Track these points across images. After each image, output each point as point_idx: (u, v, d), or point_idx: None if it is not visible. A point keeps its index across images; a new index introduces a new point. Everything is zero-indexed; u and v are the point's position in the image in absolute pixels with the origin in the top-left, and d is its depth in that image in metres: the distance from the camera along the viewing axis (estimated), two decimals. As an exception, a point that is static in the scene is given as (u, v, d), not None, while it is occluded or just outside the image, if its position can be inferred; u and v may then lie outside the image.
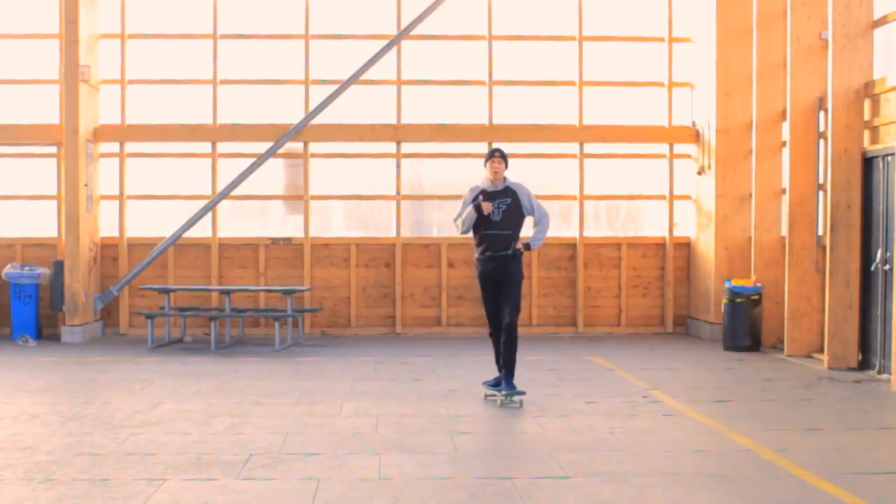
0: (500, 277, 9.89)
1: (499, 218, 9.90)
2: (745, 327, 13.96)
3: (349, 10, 16.41)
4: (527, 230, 10.27)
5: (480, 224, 9.93)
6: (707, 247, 15.52)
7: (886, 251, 11.59)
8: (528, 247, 10.00)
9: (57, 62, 15.77)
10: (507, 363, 9.82)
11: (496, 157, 10.08)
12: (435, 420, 9.07)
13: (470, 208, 9.92)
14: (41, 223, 16.07)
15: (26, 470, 7.14)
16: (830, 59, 12.15)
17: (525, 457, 7.61)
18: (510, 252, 9.88)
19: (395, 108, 16.30)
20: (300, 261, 16.20)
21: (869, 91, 11.95)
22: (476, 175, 16.83)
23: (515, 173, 10.56)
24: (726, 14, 15.05)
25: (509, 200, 9.96)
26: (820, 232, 13.07)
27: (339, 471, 7.15)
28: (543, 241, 10.20)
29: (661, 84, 16.49)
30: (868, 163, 12.09)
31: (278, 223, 16.58)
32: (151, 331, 14.31)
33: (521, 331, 10.24)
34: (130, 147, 16.24)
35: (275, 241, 16.27)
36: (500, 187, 10.04)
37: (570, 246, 16.41)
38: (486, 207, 9.82)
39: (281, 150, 16.03)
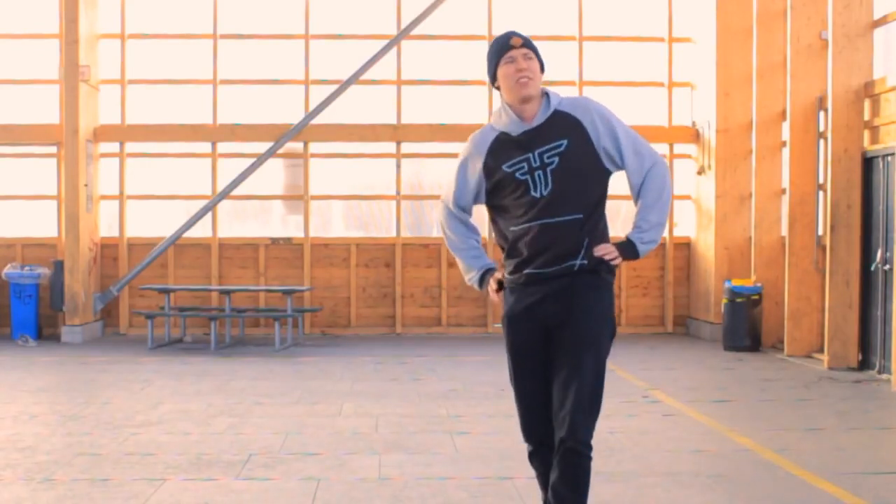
0: (557, 321, 4.63)
1: (548, 188, 4.50)
2: (745, 327, 13.95)
3: (349, 10, 16.40)
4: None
5: (510, 208, 4.59)
6: (707, 247, 15.51)
7: (886, 251, 11.58)
8: (629, 249, 4.72)
9: (57, 62, 15.77)
10: None
11: (513, 45, 4.50)
12: (435, 420, 9.06)
13: (460, 259, 4.86)
14: (41, 223, 16.06)
15: (26, 470, 7.14)
16: (830, 59, 12.15)
17: (525, 457, 7.59)
18: (581, 261, 4.58)
19: (395, 108, 16.29)
20: (300, 261, 16.19)
21: (869, 91, 11.94)
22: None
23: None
24: (726, 14, 15.04)
25: (564, 143, 4.51)
26: (820, 232, 13.06)
27: (339, 471, 7.14)
28: (664, 226, 4.82)
29: (662, 84, 16.49)
30: (868, 163, 12.09)
31: (278, 223, 16.58)
32: (151, 331, 14.30)
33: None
34: (130, 147, 16.24)
35: (275, 241, 16.26)
36: (536, 121, 4.54)
37: (570, 246, 16.38)
38: (493, 295, 4.79)
39: (281, 150, 16.02)
